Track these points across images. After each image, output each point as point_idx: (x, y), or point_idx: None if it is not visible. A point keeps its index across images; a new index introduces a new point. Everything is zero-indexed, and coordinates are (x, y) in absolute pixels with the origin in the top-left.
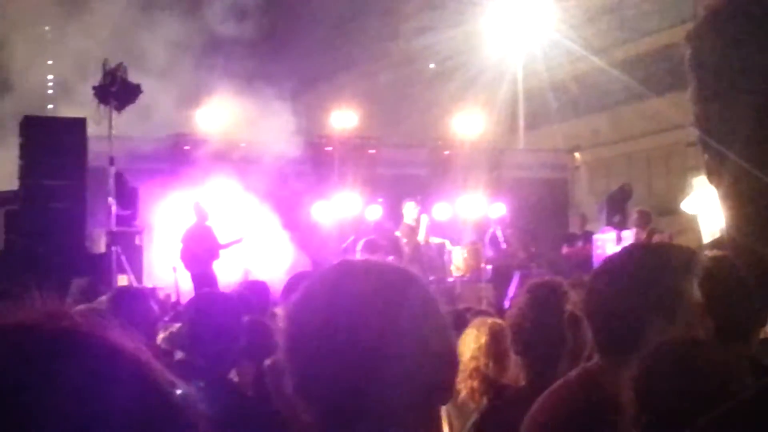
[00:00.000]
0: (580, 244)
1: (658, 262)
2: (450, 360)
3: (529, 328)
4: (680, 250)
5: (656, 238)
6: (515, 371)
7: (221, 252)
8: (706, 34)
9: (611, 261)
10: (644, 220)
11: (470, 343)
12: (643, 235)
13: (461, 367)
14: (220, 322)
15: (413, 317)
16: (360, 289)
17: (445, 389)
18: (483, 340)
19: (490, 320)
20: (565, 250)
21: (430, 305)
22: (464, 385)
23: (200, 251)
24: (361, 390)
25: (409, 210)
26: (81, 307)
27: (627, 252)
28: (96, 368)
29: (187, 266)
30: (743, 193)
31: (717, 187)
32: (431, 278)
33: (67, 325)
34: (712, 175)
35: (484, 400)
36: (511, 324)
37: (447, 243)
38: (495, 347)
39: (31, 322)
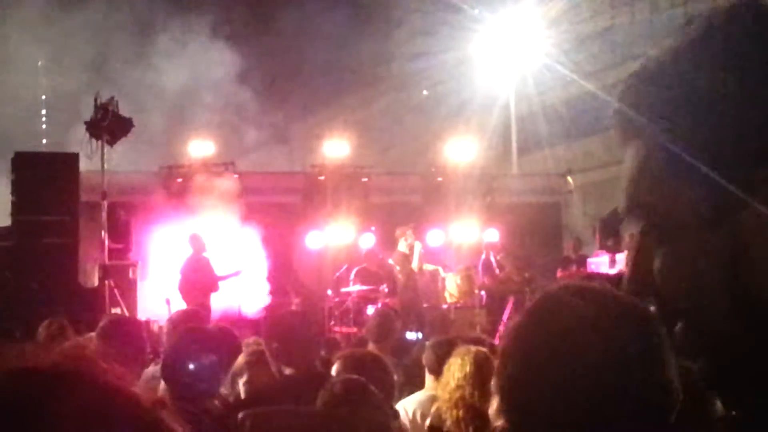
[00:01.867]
0: (574, 267)
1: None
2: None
3: None
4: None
5: None
6: None
7: (219, 284)
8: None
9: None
10: None
11: (455, 372)
12: None
13: (446, 396)
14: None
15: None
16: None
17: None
18: (468, 369)
19: (474, 348)
20: (559, 274)
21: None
22: (449, 415)
23: (198, 283)
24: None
25: (403, 237)
26: (70, 342)
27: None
28: (91, 410)
29: (185, 298)
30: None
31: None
32: (425, 305)
33: (64, 369)
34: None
35: (471, 430)
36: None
37: (440, 270)
38: (480, 376)
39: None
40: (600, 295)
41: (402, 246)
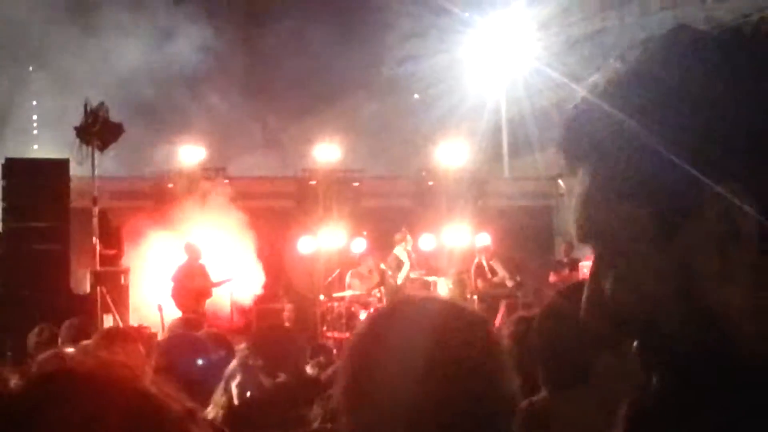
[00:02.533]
0: (566, 271)
1: None
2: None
3: (514, 364)
4: None
5: None
6: None
7: (213, 291)
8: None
9: (558, 299)
10: None
11: None
12: None
13: None
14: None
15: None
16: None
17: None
18: None
19: None
20: (552, 277)
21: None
22: None
23: (191, 290)
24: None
25: (403, 243)
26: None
27: (572, 290)
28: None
29: (178, 305)
30: None
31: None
32: None
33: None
34: None
35: None
36: None
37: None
38: None
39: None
40: (442, 307)
41: (399, 251)
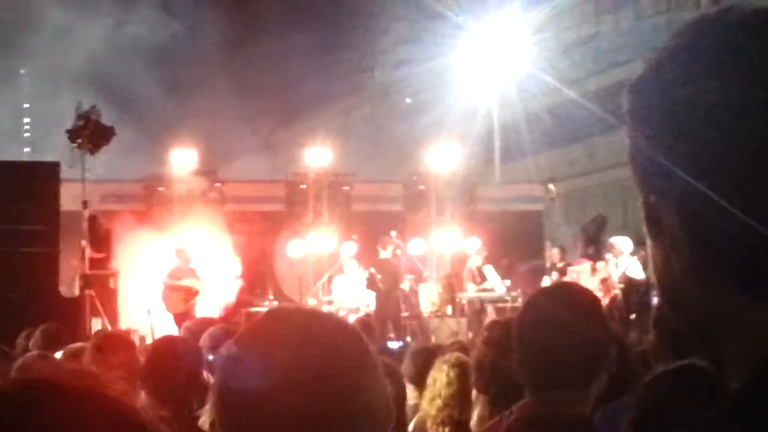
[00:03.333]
0: (557, 276)
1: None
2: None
3: (488, 366)
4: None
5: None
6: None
7: (201, 294)
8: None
9: (538, 305)
10: (612, 252)
11: (442, 390)
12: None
13: (432, 412)
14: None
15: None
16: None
17: None
18: (454, 385)
19: (454, 358)
20: (547, 283)
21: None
22: (434, 431)
23: (181, 293)
24: None
25: (386, 245)
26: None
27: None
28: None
29: (168, 308)
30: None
31: (656, 237)
32: (406, 314)
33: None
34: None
35: None
36: (474, 362)
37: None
38: (463, 388)
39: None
40: (308, 317)
41: (385, 254)
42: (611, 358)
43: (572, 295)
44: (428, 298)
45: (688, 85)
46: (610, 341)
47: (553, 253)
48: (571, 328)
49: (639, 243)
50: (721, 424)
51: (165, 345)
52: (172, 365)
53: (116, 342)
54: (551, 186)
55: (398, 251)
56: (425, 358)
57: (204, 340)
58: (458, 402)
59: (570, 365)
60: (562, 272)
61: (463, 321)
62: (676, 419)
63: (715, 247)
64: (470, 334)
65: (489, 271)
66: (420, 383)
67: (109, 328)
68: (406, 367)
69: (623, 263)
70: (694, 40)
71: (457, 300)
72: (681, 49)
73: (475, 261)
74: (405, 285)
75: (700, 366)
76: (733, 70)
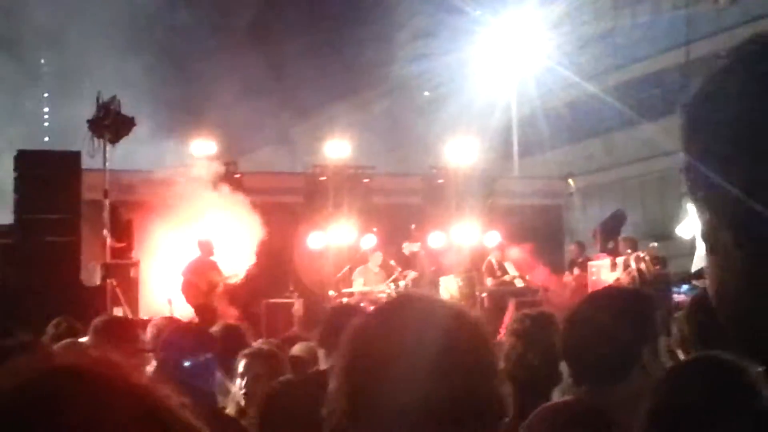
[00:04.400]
0: (577, 271)
1: (642, 302)
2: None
3: (515, 357)
4: (650, 291)
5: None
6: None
7: (222, 285)
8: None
9: (603, 297)
10: (629, 247)
11: None
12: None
13: None
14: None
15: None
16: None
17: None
18: None
19: None
20: (566, 277)
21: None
22: None
23: (202, 285)
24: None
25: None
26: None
27: (613, 291)
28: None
29: (188, 299)
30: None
31: (712, 252)
32: None
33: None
34: (707, 236)
35: None
36: (503, 355)
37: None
38: None
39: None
40: (430, 306)
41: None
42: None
43: (613, 299)
44: (448, 291)
45: (749, 100)
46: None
47: (571, 249)
48: (611, 329)
49: (656, 238)
50: None
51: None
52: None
53: (118, 327)
54: (570, 181)
55: (418, 244)
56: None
57: (150, 329)
58: None
59: (611, 360)
60: (582, 267)
61: (483, 315)
62: (695, 410)
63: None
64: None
65: (509, 264)
66: None
67: (130, 317)
68: None
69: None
70: (755, 55)
71: (477, 293)
72: (741, 65)
73: (495, 255)
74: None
75: (725, 358)
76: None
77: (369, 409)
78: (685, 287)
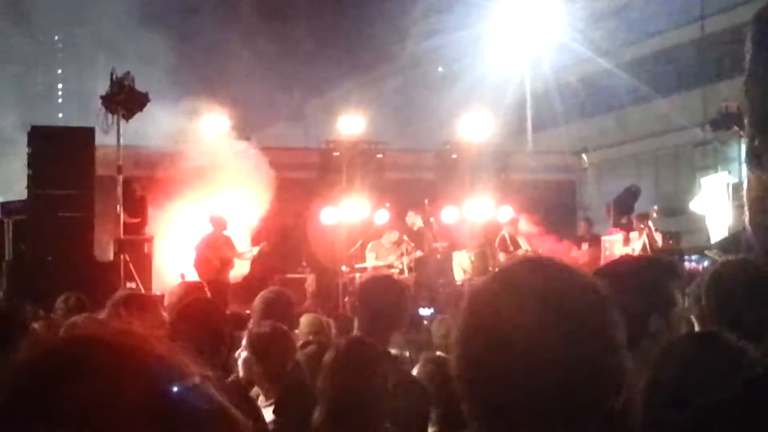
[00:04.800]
0: (586, 246)
1: (656, 270)
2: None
3: None
4: (667, 259)
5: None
6: None
7: (235, 261)
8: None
9: (614, 265)
10: (642, 222)
11: None
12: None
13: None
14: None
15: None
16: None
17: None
18: None
19: None
20: (573, 253)
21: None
22: None
23: (216, 260)
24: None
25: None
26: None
27: (625, 260)
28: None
29: (201, 275)
30: None
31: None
32: (440, 281)
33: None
34: (757, 162)
35: None
36: None
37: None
38: None
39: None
40: (557, 271)
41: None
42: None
43: (623, 268)
44: (461, 266)
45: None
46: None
47: (580, 225)
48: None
49: (670, 213)
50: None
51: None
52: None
53: (136, 304)
54: (584, 156)
55: (431, 219)
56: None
57: (168, 297)
58: None
59: None
60: (591, 242)
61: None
62: (691, 385)
63: None
64: None
65: (522, 239)
66: (447, 352)
67: (143, 292)
68: (434, 333)
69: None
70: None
71: (490, 268)
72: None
73: (508, 230)
74: (437, 252)
75: (724, 335)
76: None
77: (489, 375)
78: (696, 256)
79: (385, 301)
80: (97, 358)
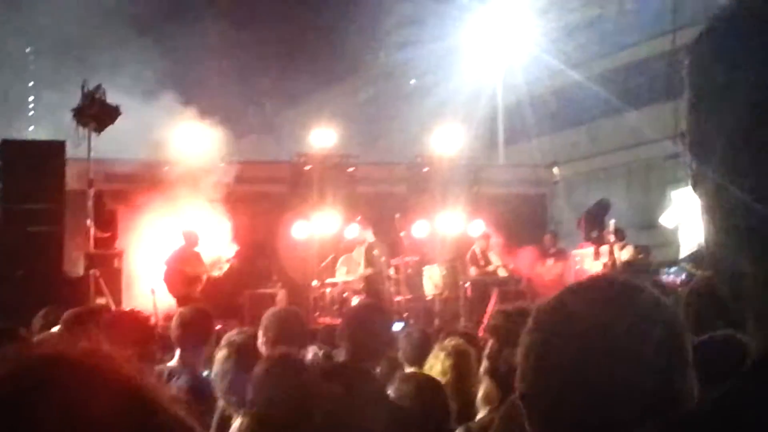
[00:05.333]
0: (552, 262)
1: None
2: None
3: (497, 353)
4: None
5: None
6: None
7: (204, 277)
8: (699, 46)
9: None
10: (617, 237)
11: (438, 376)
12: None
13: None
14: None
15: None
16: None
17: None
18: (450, 375)
19: (451, 344)
20: (539, 268)
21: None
22: None
23: (185, 275)
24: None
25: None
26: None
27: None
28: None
29: (170, 289)
30: (722, 206)
31: (699, 198)
32: (409, 296)
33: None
34: (696, 186)
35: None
36: (486, 349)
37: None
38: (459, 371)
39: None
40: (625, 296)
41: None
42: None
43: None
44: (431, 280)
45: (732, 58)
46: None
47: (545, 239)
48: None
49: (642, 227)
50: (736, 395)
51: None
52: None
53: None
54: (555, 169)
55: (401, 233)
56: (422, 341)
57: (176, 318)
58: (456, 390)
59: None
60: (558, 257)
61: (467, 304)
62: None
63: (743, 218)
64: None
65: (493, 254)
66: (417, 364)
67: (113, 307)
68: (403, 348)
69: (624, 247)
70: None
71: (461, 283)
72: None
73: (479, 244)
74: (407, 267)
75: (729, 336)
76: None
77: (560, 391)
78: (673, 268)
79: (374, 330)
80: (64, 379)
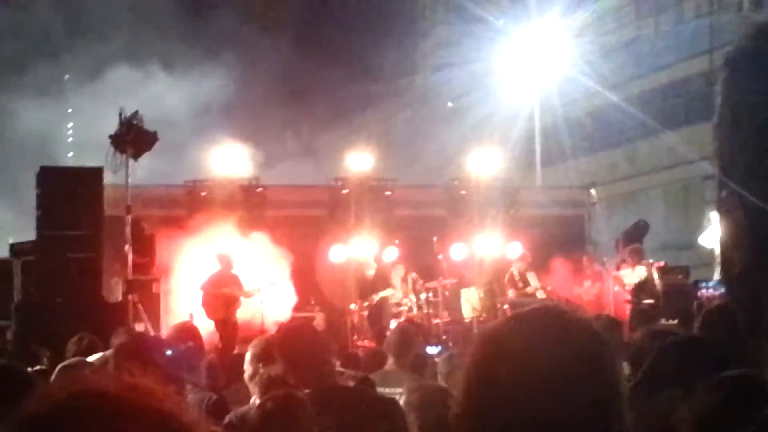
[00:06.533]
0: (590, 282)
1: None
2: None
3: None
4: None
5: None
6: None
7: (243, 300)
8: (726, 70)
9: None
10: (636, 257)
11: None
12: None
13: None
14: None
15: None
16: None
17: None
18: None
19: None
20: (577, 289)
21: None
22: None
23: (222, 299)
24: None
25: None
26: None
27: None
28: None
29: (208, 314)
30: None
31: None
32: (447, 319)
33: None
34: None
35: None
36: None
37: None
38: None
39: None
40: (565, 321)
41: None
42: None
43: None
44: (470, 303)
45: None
46: None
47: (583, 260)
48: None
49: (681, 247)
50: None
51: None
52: None
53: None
54: (593, 191)
55: (439, 256)
56: (459, 362)
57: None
58: None
59: None
60: (595, 278)
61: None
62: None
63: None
64: None
65: (531, 276)
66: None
67: (152, 332)
68: (440, 370)
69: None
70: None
71: (499, 305)
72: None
73: (517, 266)
74: (445, 290)
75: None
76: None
77: (493, 414)
78: (712, 282)
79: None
80: (103, 414)
